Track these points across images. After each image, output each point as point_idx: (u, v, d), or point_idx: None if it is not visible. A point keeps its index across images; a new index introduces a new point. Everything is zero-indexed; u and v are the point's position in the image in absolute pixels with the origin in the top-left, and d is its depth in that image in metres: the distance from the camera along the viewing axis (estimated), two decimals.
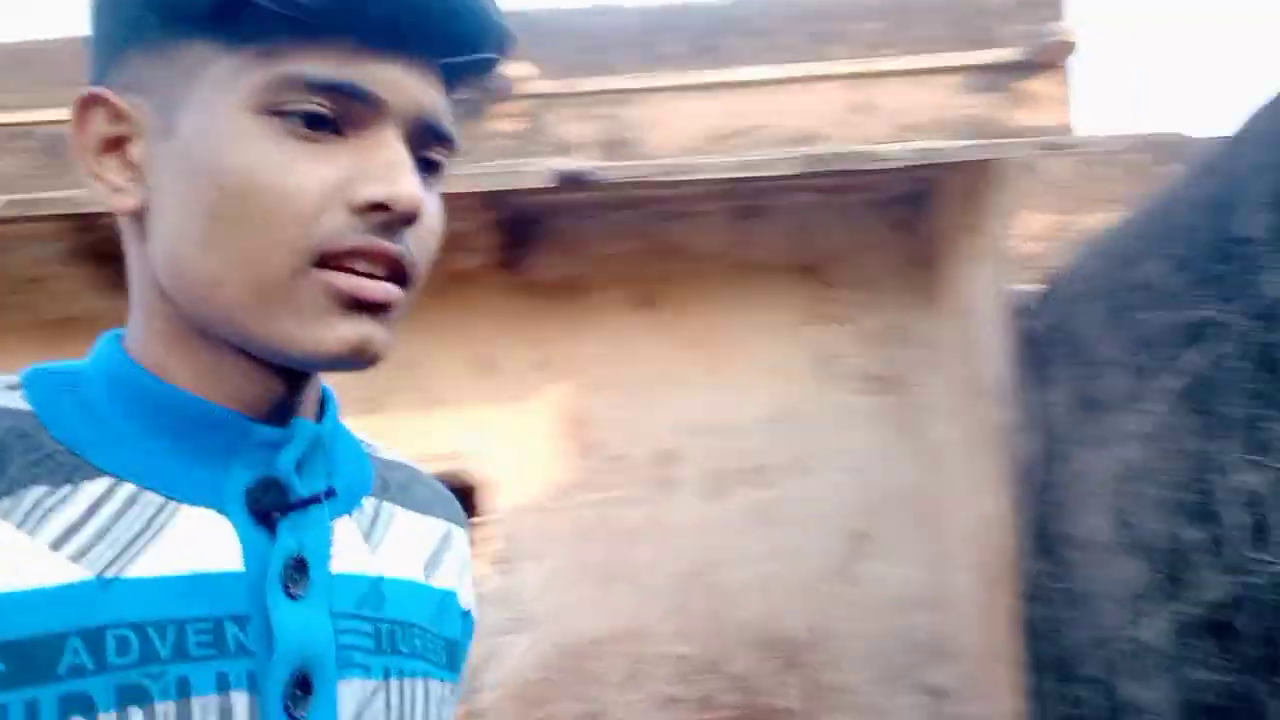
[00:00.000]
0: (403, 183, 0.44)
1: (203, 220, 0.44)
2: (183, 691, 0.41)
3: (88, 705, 0.39)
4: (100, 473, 0.44)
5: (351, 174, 0.44)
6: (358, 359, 0.45)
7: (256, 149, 0.43)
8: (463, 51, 0.47)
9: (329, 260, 0.44)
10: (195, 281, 0.45)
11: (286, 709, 0.43)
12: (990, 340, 2.72)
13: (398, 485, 0.56)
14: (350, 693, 0.47)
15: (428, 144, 0.47)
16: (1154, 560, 1.81)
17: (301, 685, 0.44)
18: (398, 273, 0.45)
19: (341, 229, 0.44)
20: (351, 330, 0.44)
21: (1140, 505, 1.88)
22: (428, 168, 0.48)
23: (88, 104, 0.46)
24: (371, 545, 0.51)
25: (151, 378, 0.47)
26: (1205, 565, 1.62)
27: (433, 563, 0.56)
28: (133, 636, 0.41)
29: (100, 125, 0.46)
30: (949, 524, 3.08)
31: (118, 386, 0.47)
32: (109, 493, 0.44)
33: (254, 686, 0.43)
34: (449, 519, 0.59)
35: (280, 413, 0.48)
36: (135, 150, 0.46)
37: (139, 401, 0.46)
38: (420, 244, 0.47)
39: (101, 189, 0.47)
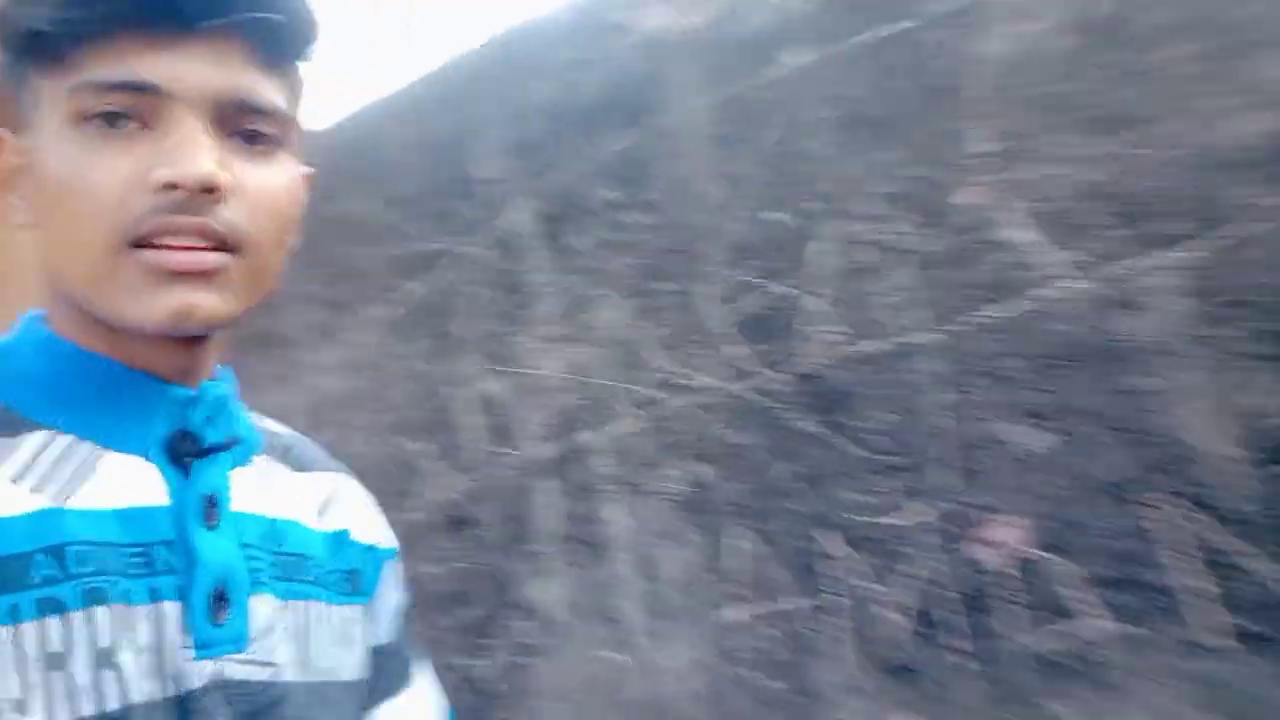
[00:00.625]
0: (188, 161, 0.48)
1: (51, 225, 0.51)
2: (126, 600, 0.49)
3: (59, 606, 0.47)
4: (39, 426, 0.52)
5: (150, 161, 0.49)
6: (184, 324, 0.50)
7: (71, 155, 0.50)
8: (256, 21, 0.50)
9: (143, 241, 0.49)
10: (56, 277, 0.53)
11: (209, 617, 0.51)
12: None
13: (282, 448, 0.64)
14: (260, 606, 0.55)
15: (241, 119, 0.52)
16: (383, 477, 1.94)
17: (220, 599, 0.52)
18: (219, 242, 0.50)
19: (146, 211, 0.49)
20: (172, 299, 0.49)
21: (353, 431, 1.99)
22: (253, 139, 0.52)
23: None
24: (266, 493, 0.59)
25: (77, 347, 0.54)
26: (437, 472, 1.82)
27: (323, 509, 0.64)
28: (87, 552, 0.49)
29: (6, 159, 0.54)
30: None
31: (47, 356, 0.55)
32: (49, 441, 0.52)
33: (181, 598, 0.51)
34: (335, 471, 0.67)
35: (186, 375, 0.55)
36: (20, 176, 0.54)
37: (68, 367, 0.54)
38: (249, 212, 0.51)
39: (12, 212, 0.54)
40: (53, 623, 0.46)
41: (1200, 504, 1.13)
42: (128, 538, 0.50)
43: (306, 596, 0.59)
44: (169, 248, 0.49)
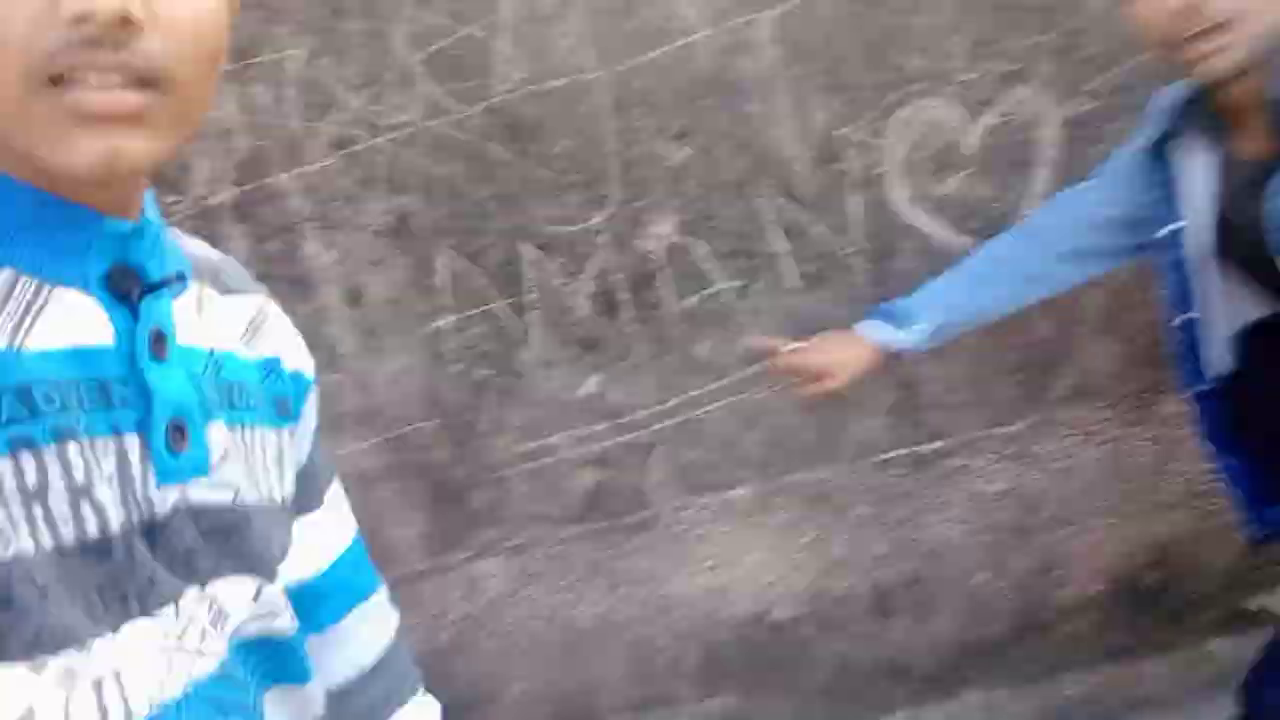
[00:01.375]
0: None
1: None
2: (90, 433, 0.49)
3: (30, 442, 0.46)
4: None
5: None
6: (107, 171, 0.48)
7: None
8: None
9: (59, 78, 0.45)
10: None
11: (169, 447, 0.52)
12: None
13: (210, 271, 0.63)
14: (215, 434, 0.56)
15: None
16: None
17: (177, 429, 0.53)
18: (141, 79, 0.47)
19: (59, 45, 0.45)
20: (97, 144, 0.47)
21: None
22: None
23: None
24: (203, 323, 0.59)
25: (8, 178, 0.50)
26: None
27: (250, 335, 0.64)
28: (51, 391, 0.48)
29: None
30: None
31: None
32: None
33: (140, 429, 0.51)
34: (257, 293, 0.67)
35: (124, 207, 0.54)
36: None
37: (2, 202, 0.50)
38: (172, 44, 0.48)
39: None
40: (27, 458, 0.46)
41: (788, 194, 1.65)
42: (83, 374, 0.50)
43: (248, 422, 0.60)
44: (89, 86, 0.46)
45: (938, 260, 1.70)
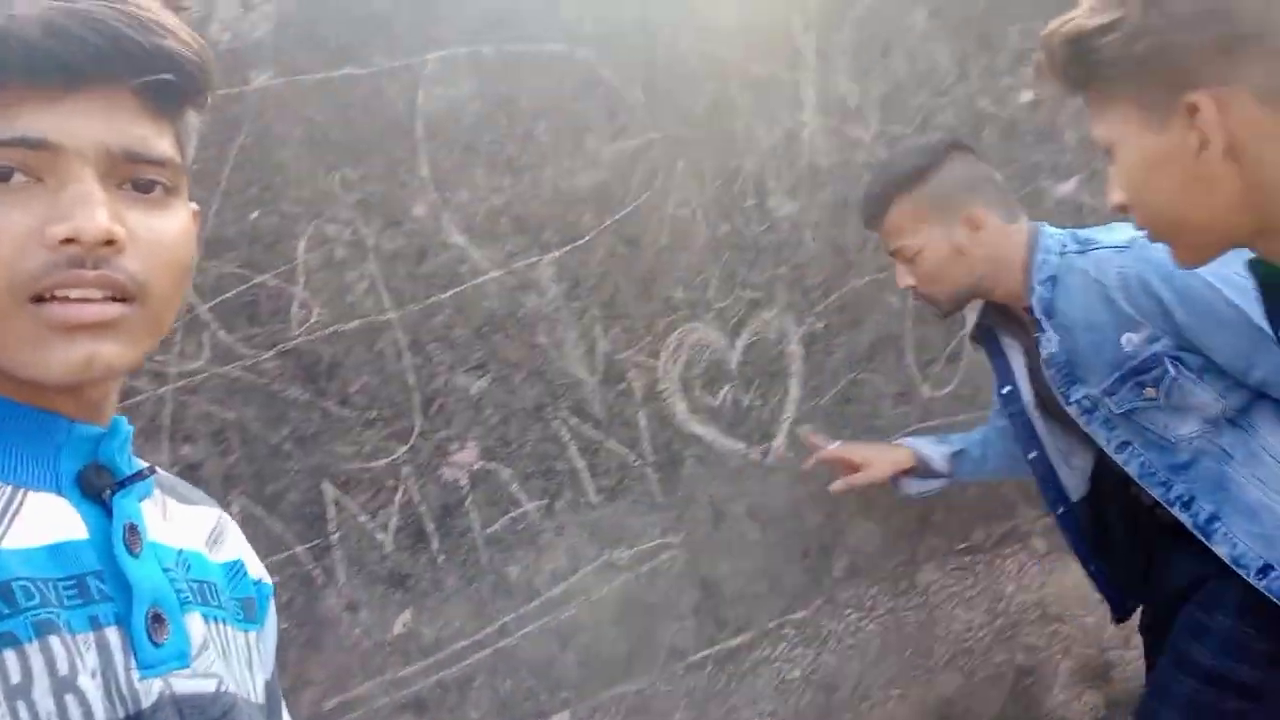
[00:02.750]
0: (82, 216, 0.49)
1: None
2: (70, 629, 0.50)
3: (13, 639, 0.47)
4: None
5: (45, 216, 0.49)
6: (85, 375, 0.51)
7: None
8: (144, 73, 0.52)
9: (43, 295, 0.50)
10: None
11: (150, 637, 0.53)
12: None
13: (167, 484, 0.66)
14: (194, 624, 0.57)
15: (134, 169, 0.53)
16: None
17: (156, 619, 0.54)
18: (119, 292, 0.51)
19: (44, 267, 0.49)
20: (74, 351, 0.50)
21: None
22: (147, 188, 0.54)
23: None
24: (167, 524, 0.61)
25: None
26: None
27: (213, 541, 0.66)
28: (31, 586, 0.49)
29: None
30: None
31: None
32: None
33: (120, 623, 0.52)
34: (212, 506, 0.70)
35: (95, 412, 0.57)
36: None
37: None
38: (146, 261, 0.52)
39: None
40: (9, 655, 0.46)
41: (581, 414, 1.77)
42: (61, 571, 0.50)
43: (220, 619, 0.61)
44: (69, 300, 0.50)
45: (720, 464, 1.87)
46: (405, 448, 1.64)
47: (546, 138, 1.73)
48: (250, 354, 1.55)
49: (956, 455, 1.80)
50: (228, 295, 1.53)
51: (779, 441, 1.93)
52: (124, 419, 0.59)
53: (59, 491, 0.53)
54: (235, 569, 0.67)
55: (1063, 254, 1.43)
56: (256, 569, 0.71)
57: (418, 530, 1.65)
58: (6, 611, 0.47)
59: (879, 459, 1.79)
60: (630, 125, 1.80)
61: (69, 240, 0.49)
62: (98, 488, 0.55)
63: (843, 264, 2.00)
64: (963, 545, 2.15)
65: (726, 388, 1.89)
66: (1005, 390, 1.64)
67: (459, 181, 1.67)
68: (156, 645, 0.53)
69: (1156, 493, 1.40)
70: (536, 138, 1.72)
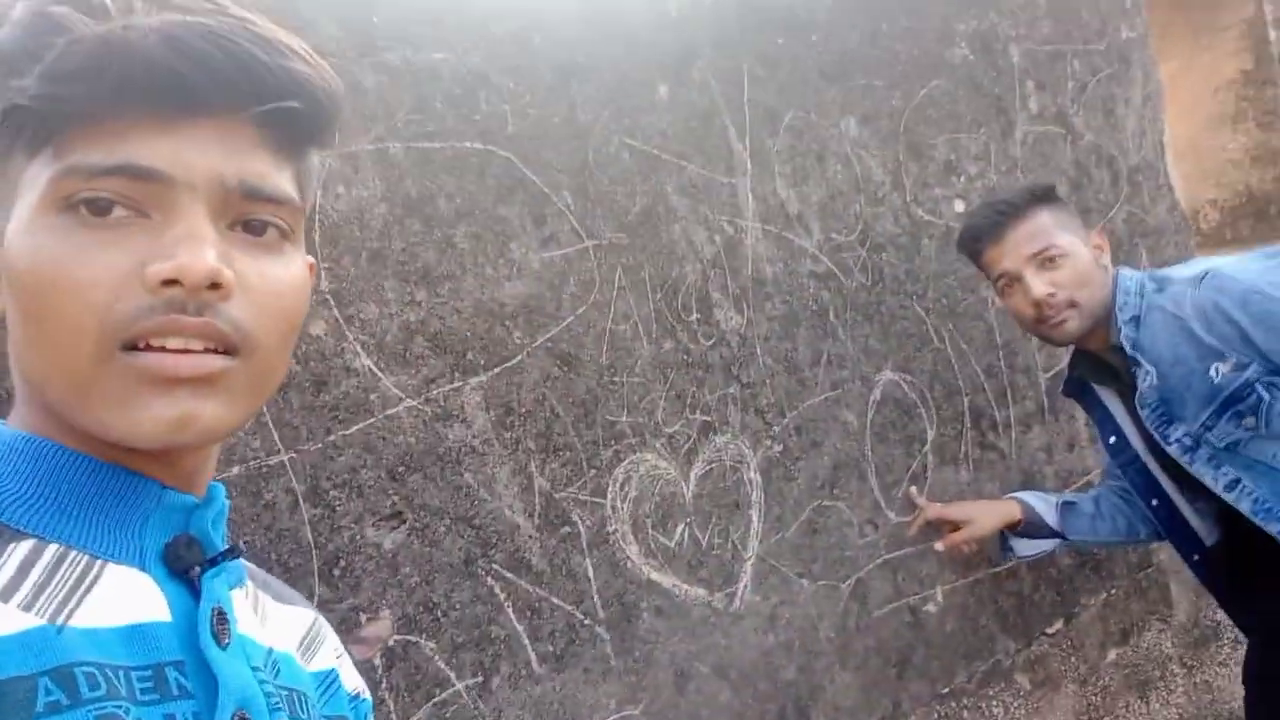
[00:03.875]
0: (187, 254, 0.44)
1: (23, 322, 0.45)
2: None
3: None
4: (23, 535, 0.45)
5: (146, 254, 0.44)
6: (178, 437, 0.45)
7: (51, 245, 0.44)
8: (268, 100, 0.47)
9: (136, 342, 0.44)
10: (31, 382, 0.47)
11: None
12: None
13: (260, 577, 0.61)
14: None
15: (247, 206, 0.48)
16: None
17: None
18: (222, 344, 0.46)
19: (141, 310, 0.44)
20: (169, 409, 0.44)
21: None
22: (260, 230, 0.48)
23: None
24: (259, 619, 0.56)
25: (60, 447, 0.47)
26: None
27: (308, 646, 0.60)
28: (97, 674, 0.43)
29: None
30: None
31: (26, 458, 0.47)
32: (36, 552, 0.45)
33: None
34: (308, 609, 0.64)
35: (189, 479, 0.51)
36: None
37: (51, 469, 0.47)
38: (254, 312, 0.47)
39: None
40: None
41: (517, 566, 1.47)
42: (135, 659, 0.44)
43: None
44: (165, 350, 0.44)
45: (681, 616, 1.60)
46: None
47: (466, 244, 1.51)
48: None
49: (1067, 508, 1.71)
50: None
51: (743, 584, 1.68)
52: (222, 488, 0.53)
53: (142, 566, 0.48)
54: (329, 680, 0.61)
55: (1142, 294, 1.44)
56: (353, 681, 0.64)
57: None
58: (66, 703, 0.41)
59: (984, 515, 1.70)
60: (559, 232, 1.60)
61: (171, 282, 0.43)
62: (186, 563, 0.49)
63: (796, 382, 1.81)
64: (946, 690, 1.91)
65: (682, 525, 1.64)
66: (1111, 440, 1.59)
67: (365, 294, 1.41)
68: None
69: (1274, 530, 1.35)
70: (455, 244, 1.49)
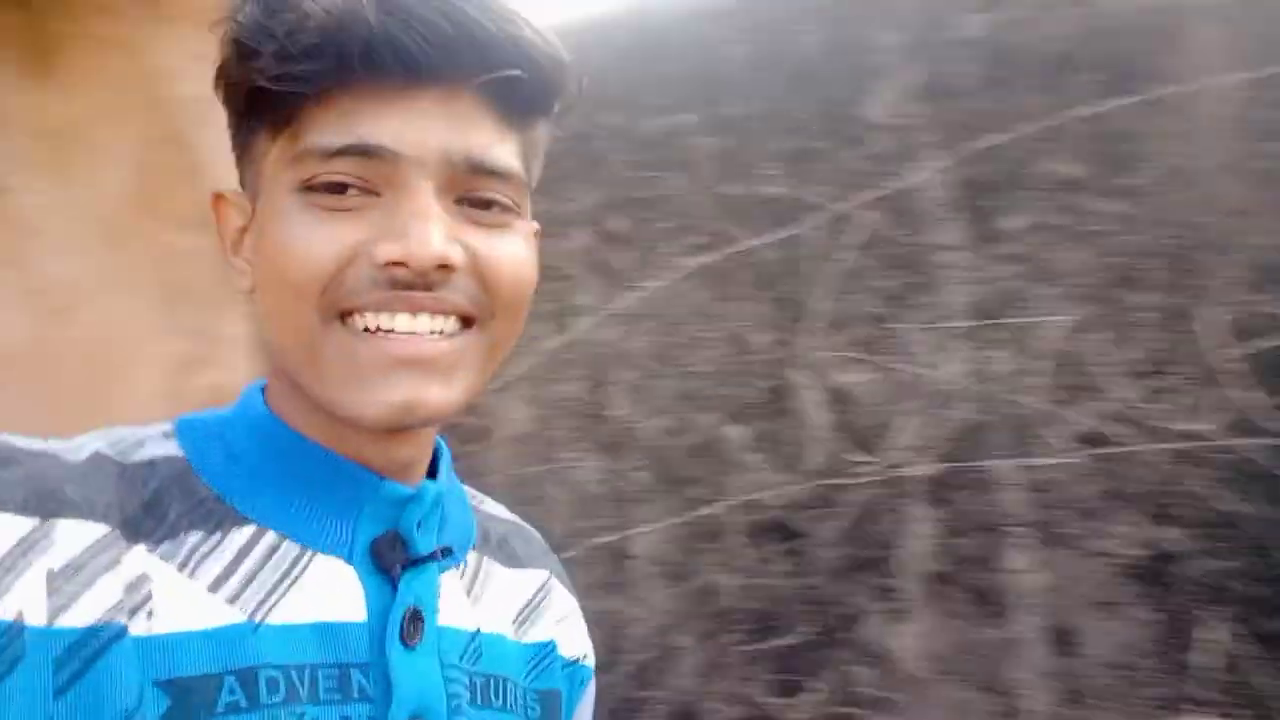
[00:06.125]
0: (415, 237, 0.45)
1: (266, 295, 0.48)
2: None
3: None
4: (245, 520, 0.48)
5: (376, 233, 0.46)
6: (405, 418, 0.46)
7: (289, 224, 0.46)
8: (492, 69, 0.46)
9: (358, 312, 0.46)
10: (275, 352, 0.49)
11: None
12: None
13: (497, 540, 0.61)
14: None
15: (474, 183, 0.47)
16: (670, 458, 1.67)
17: None
18: (458, 312, 0.47)
19: (365, 282, 0.45)
20: (396, 391, 0.46)
21: (640, 398, 1.73)
22: (486, 206, 0.48)
23: (217, 201, 0.52)
24: (472, 600, 0.55)
25: (290, 430, 0.50)
26: (752, 466, 1.56)
27: (526, 617, 0.60)
28: (280, 677, 0.45)
29: (232, 218, 0.52)
30: None
31: (260, 437, 0.50)
32: (253, 540, 0.47)
33: None
34: (546, 569, 0.64)
35: (405, 469, 0.52)
36: (247, 239, 0.51)
37: (279, 452, 0.50)
38: (482, 291, 0.48)
39: (233, 274, 0.52)
40: None
41: None
42: (324, 657, 0.47)
43: None
44: (394, 333, 0.46)
45: None
46: None
47: None
48: None
49: None
50: (1262, 340, 1.11)
51: None
52: (432, 485, 0.53)
53: (349, 559, 0.49)
54: (543, 654, 0.60)
55: None
56: (572, 647, 0.63)
57: None
58: (244, 705, 0.43)
59: None
60: None
61: (398, 264, 0.45)
62: (389, 561, 0.50)
63: None
64: None
65: None
66: None
67: None
68: None
69: None
70: None
